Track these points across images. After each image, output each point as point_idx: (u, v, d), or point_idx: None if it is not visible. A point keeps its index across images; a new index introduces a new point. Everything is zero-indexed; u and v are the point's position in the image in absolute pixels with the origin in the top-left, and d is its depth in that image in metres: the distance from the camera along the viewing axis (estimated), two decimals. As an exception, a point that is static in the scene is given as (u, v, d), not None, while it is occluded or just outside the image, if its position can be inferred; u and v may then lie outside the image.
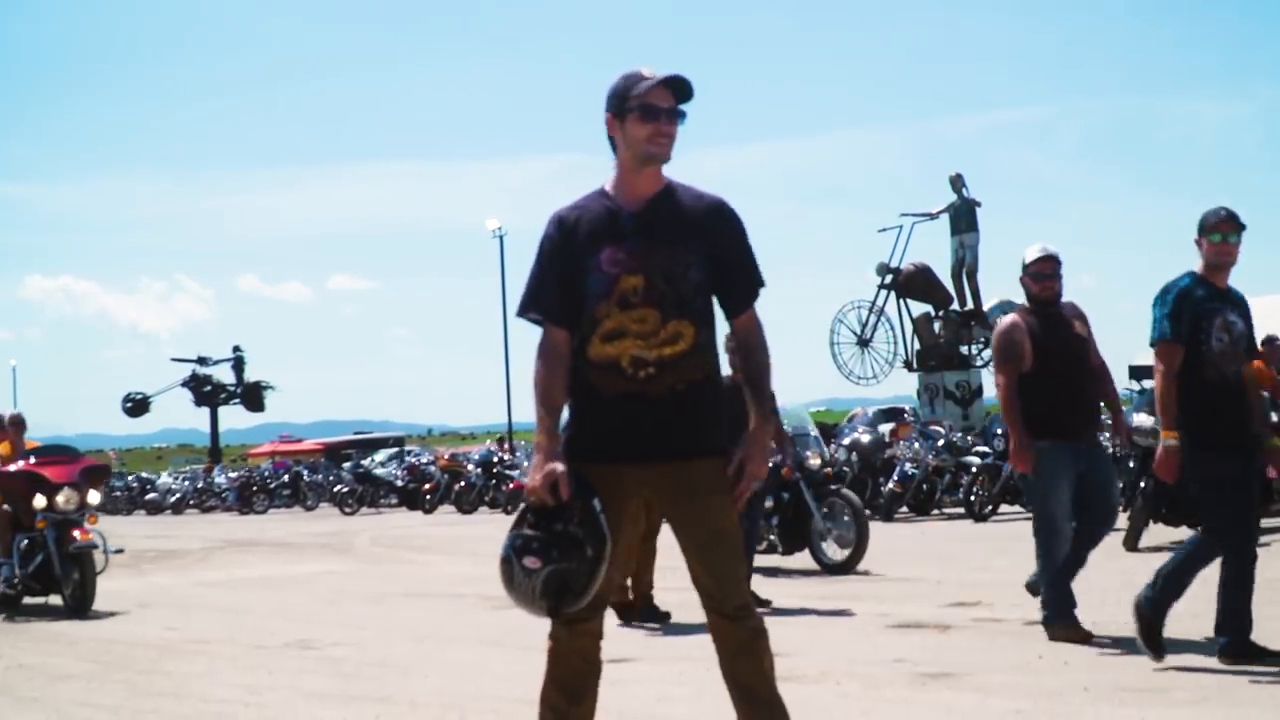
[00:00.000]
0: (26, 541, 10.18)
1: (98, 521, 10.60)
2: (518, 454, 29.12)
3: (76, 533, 10.07)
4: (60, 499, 10.14)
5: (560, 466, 3.49)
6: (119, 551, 10.96)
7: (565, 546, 3.45)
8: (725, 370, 3.79)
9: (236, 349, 60.71)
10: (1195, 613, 7.36)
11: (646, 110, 3.58)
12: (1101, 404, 6.87)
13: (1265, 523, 11.90)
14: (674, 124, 3.61)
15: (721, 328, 3.72)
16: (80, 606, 9.94)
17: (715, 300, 3.70)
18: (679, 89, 3.62)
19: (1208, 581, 5.73)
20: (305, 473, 35.24)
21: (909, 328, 26.24)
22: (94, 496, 10.51)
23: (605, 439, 3.59)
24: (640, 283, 3.55)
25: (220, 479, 37.21)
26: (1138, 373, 20.55)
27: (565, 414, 3.72)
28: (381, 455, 37.97)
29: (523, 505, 3.63)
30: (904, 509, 17.38)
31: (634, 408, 3.55)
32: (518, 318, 3.73)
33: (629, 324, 3.55)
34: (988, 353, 26.47)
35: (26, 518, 10.25)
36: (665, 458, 3.57)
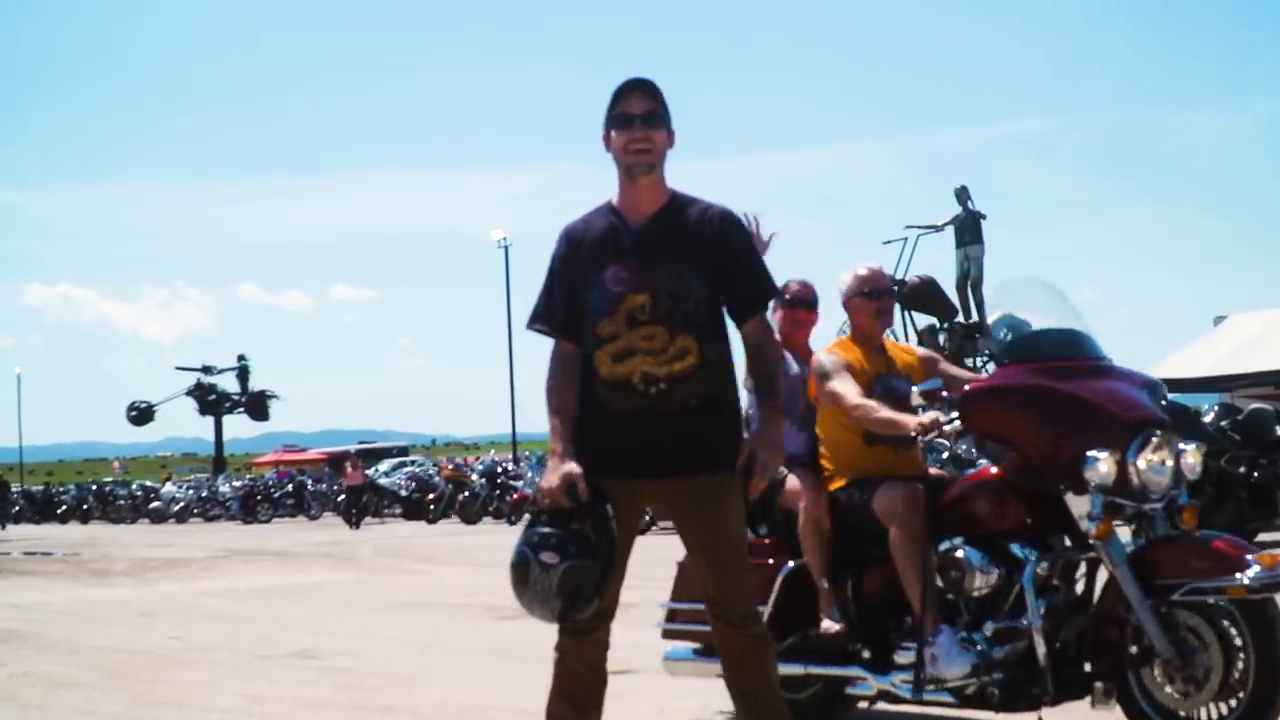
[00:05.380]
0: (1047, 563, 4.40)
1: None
2: (522, 464, 29.20)
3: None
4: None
5: (577, 468, 3.52)
6: None
7: (581, 544, 3.47)
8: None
9: (241, 358, 60.72)
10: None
11: (620, 120, 3.63)
12: None
13: (1265, 537, 11.88)
14: (650, 129, 3.61)
15: (732, 346, 3.75)
16: None
17: (725, 311, 3.72)
18: (647, 93, 3.62)
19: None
20: (309, 482, 35.28)
21: (914, 339, 26.17)
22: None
23: (619, 455, 3.61)
24: (646, 300, 3.58)
25: (224, 488, 37.29)
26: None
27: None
28: (385, 465, 38.02)
29: (534, 510, 3.65)
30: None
31: (647, 423, 3.57)
32: (527, 329, 3.80)
33: (638, 342, 3.57)
34: (992, 366, 26.43)
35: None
36: (678, 474, 3.60)
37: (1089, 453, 4.07)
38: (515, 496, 23.91)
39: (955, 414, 4.42)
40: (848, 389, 4.70)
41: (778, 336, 5.17)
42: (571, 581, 3.44)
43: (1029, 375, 4.39)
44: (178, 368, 61.67)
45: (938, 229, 26.05)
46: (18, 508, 43.39)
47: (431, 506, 27.27)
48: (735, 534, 3.66)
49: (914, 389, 4.61)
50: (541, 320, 3.76)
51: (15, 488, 47.66)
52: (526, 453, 37.50)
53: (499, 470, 27.27)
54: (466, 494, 26.28)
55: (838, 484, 4.85)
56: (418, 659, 7.58)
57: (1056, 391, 4.27)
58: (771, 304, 5.26)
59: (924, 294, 26.17)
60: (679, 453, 3.58)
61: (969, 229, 25.74)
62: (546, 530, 3.51)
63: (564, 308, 3.70)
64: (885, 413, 4.59)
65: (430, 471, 32.58)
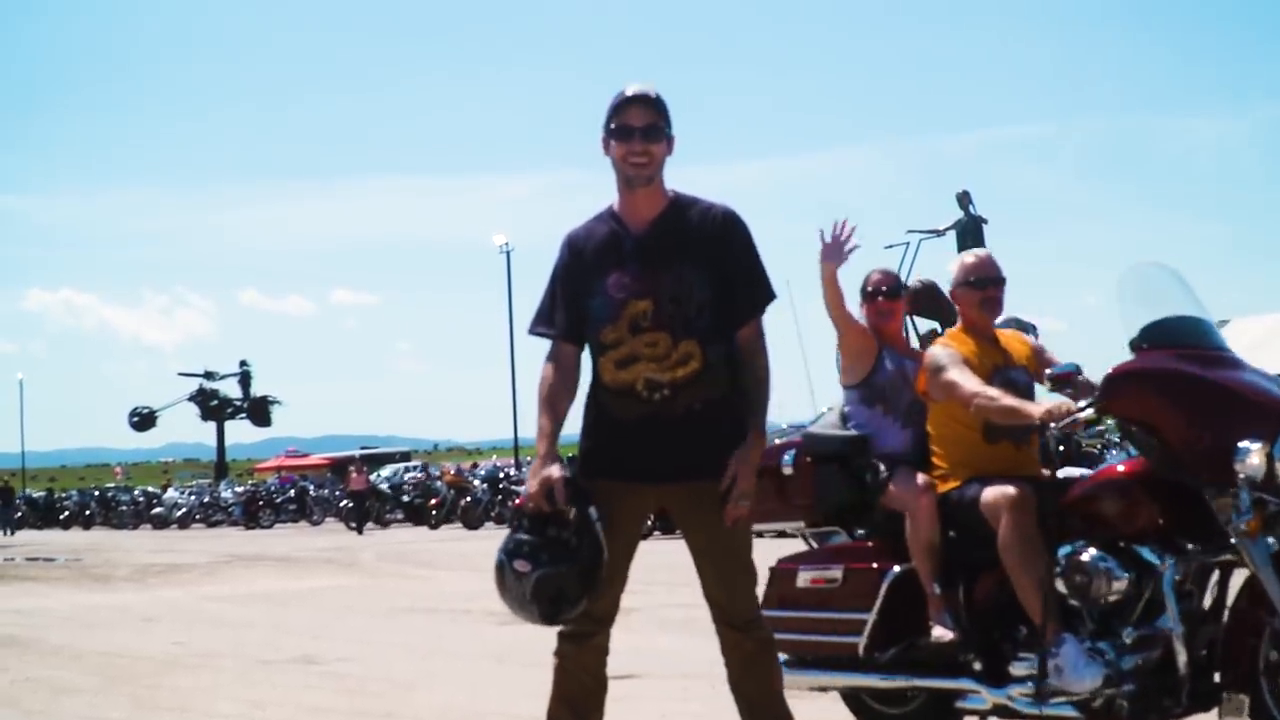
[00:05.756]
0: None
1: None
2: (523, 469, 29.22)
3: None
4: None
5: (557, 472, 3.51)
6: None
7: (555, 551, 3.46)
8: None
9: (243, 363, 60.88)
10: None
11: (620, 132, 3.60)
12: None
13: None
14: (649, 142, 3.59)
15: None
16: None
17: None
18: (648, 105, 3.60)
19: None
20: (311, 487, 35.31)
21: (916, 344, 26.21)
22: None
23: (623, 459, 3.60)
24: (649, 306, 3.57)
25: (226, 493, 37.33)
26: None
27: (578, 433, 3.74)
28: (388, 470, 38.03)
29: (518, 514, 3.65)
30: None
31: (652, 429, 3.57)
32: (529, 334, 3.79)
33: (641, 349, 3.56)
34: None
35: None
36: (681, 479, 3.59)
37: (1241, 444, 3.71)
38: (517, 501, 23.88)
39: (1083, 402, 4.08)
40: (965, 379, 4.38)
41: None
42: (548, 589, 3.44)
43: (1172, 360, 4.04)
44: (180, 373, 61.85)
45: (939, 234, 26.04)
46: (20, 513, 43.43)
47: (434, 512, 27.29)
48: (738, 537, 3.65)
49: (1047, 371, 4.41)
50: (544, 324, 3.75)
51: (18, 493, 47.73)
52: (528, 458, 37.50)
53: (501, 475, 27.30)
54: (468, 499, 26.30)
55: (952, 484, 4.52)
56: (419, 664, 7.58)
57: (1202, 378, 3.96)
58: (858, 300, 5.02)
59: (926, 298, 26.17)
60: (683, 458, 3.56)
61: (970, 234, 25.75)
62: (523, 537, 3.50)
63: (566, 313, 3.70)
64: (1009, 401, 4.24)
65: (430, 474, 32.62)
